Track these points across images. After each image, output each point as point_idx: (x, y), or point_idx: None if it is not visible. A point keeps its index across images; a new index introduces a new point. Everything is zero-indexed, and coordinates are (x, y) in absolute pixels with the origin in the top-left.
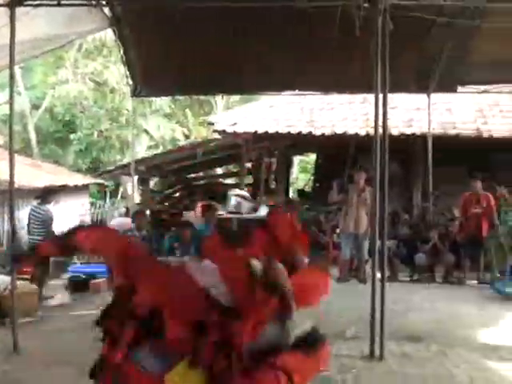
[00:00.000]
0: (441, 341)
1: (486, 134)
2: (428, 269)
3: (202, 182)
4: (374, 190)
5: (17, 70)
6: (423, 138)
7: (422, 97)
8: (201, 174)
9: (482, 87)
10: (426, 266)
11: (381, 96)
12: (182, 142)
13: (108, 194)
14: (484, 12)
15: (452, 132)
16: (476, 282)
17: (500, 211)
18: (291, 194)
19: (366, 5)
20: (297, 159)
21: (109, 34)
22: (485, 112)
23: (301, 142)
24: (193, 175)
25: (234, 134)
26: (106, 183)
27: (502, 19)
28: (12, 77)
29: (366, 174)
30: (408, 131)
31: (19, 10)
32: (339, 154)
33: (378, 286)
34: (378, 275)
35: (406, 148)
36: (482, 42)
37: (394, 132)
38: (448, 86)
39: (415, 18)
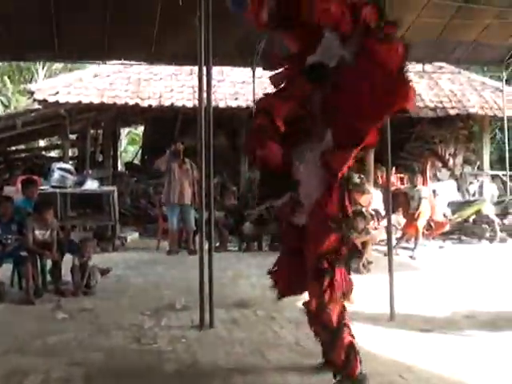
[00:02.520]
0: (268, 306)
1: None
2: (255, 238)
3: (22, 155)
4: (199, 162)
5: None
6: (249, 110)
7: (248, 70)
8: (21, 146)
9: None
10: (253, 236)
11: (205, 69)
12: (1, 112)
13: None
14: None
15: None
16: None
17: None
18: (119, 167)
19: None
20: (124, 131)
21: None
22: None
23: (128, 114)
24: (13, 148)
25: (57, 103)
26: None
27: None
28: None
29: (184, 146)
30: (234, 104)
31: None
32: (167, 126)
33: (206, 256)
34: (207, 246)
35: (232, 121)
36: None
37: (221, 105)
38: (271, 62)
39: None
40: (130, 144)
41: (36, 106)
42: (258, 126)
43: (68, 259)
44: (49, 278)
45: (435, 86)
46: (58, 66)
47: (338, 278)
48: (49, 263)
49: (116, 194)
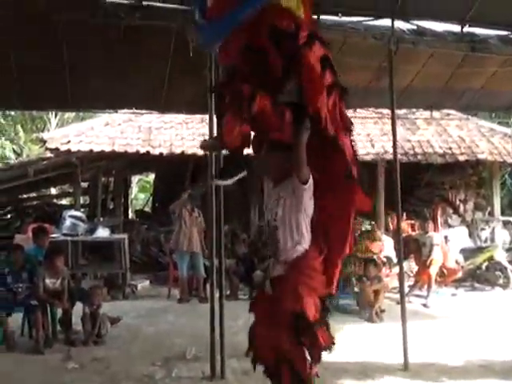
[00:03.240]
0: None
1: None
2: None
3: (34, 202)
4: (210, 209)
5: None
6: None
7: None
8: (33, 194)
9: None
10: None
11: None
12: (13, 161)
13: None
14: None
15: None
16: None
17: None
18: (130, 215)
19: None
20: (135, 179)
21: None
22: None
23: (139, 161)
24: (24, 196)
25: (68, 152)
26: None
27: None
28: None
29: (192, 192)
30: (245, 151)
31: None
32: (178, 174)
33: (216, 305)
34: (217, 294)
35: (243, 168)
36: None
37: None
38: None
39: None
40: (140, 191)
41: (48, 154)
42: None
43: (78, 308)
44: (59, 327)
45: (444, 132)
46: (70, 114)
47: (320, 337)
48: (59, 312)
49: (127, 242)
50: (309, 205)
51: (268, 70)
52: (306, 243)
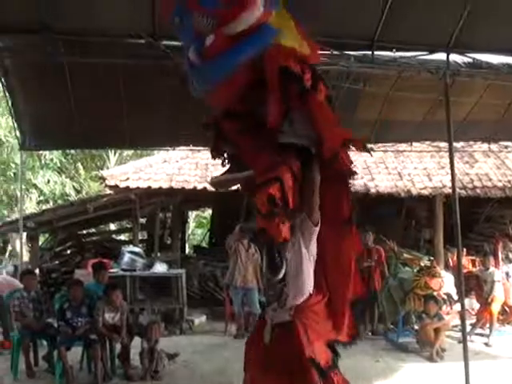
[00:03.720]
0: None
1: (373, 190)
2: None
3: (94, 238)
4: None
5: None
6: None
7: None
8: (93, 230)
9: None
10: None
11: None
12: (73, 198)
13: None
14: (367, 76)
15: None
16: (370, 333)
17: (390, 264)
18: (188, 250)
19: None
20: (192, 214)
21: None
22: (371, 169)
23: (196, 197)
24: (84, 231)
25: (127, 189)
26: None
27: (384, 83)
28: None
29: (243, 226)
30: None
31: None
32: (234, 209)
33: None
34: None
35: None
36: (366, 103)
37: None
38: None
39: None
40: (197, 227)
41: (107, 191)
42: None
43: (137, 342)
44: (117, 361)
45: (502, 165)
46: (129, 152)
47: (335, 381)
48: (118, 347)
49: (184, 277)
50: (314, 246)
51: (268, 109)
52: (311, 286)
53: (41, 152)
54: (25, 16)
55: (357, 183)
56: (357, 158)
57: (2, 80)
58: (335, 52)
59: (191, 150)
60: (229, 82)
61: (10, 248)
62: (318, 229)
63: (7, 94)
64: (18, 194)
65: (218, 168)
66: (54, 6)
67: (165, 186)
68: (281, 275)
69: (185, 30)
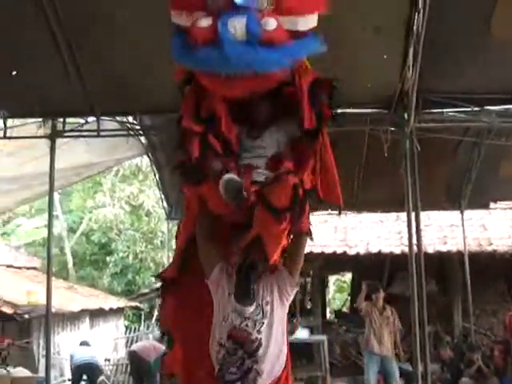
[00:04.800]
0: None
1: None
2: None
3: None
4: (412, 310)
5: (55, 194)
6: (459, 255)
7: (456, 213)
8: None
9: None
10: None
11: (413, 214)
12: None
13: (143, 317)
14: (509, 131)
15: (488, 248)
16: None
17: None
18: (328, 315)
19: (392, 128)
20: (332, 278)
21: (145, 160)
22: None
23: (336, 262)
24: None
25: None
26: (140, 306)
27: None
28: (51, 203)
29: (384, 292)
30: (443, 249)
31: (59, 140)
32: (375, 273)
33: None
34: None
35: (442, 266)
36: (509, 158)
37: (430, 250)
38: (480, 203)
39: (442, 138)
40: (338, 292)
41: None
42: None
43: None
44: None
45: None
46: None
47: None
48: None
49: (326, 344)
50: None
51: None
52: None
53: None
54: (169, 97)
55: (504, 243)
56: (502, 215)
57: (150, 155)
58: (476, 108)
59: (329, 214)
60: (268, 76)
61: (156, 313)
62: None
63: (154, 168)
64: (165, 261)
65: (357, 231)
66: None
67: (305, 250)
68: (251, 309)
69: None
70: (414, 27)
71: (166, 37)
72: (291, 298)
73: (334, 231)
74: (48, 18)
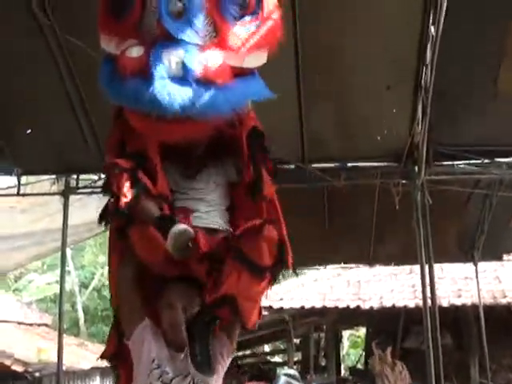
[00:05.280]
0: None
1: None
2: None
3: (249, 360)
4: (428, 365)
5: (67, 250)
6: (474, 308)
7: (469, 265)
8: (248, 351)
9: None
10: None
11: (427, 267)
12: None
13: None
14: None
15: (503, 301)
16: None
17: None
18: (343, 372)
19: (403, 181)
20: (346, 333)
21: None
22: None
23: (349, 316)
24: (240, 353)
25: (281, 309)
26: None
27: None
28: (63, 259)
29: (399, 347)
30: (458, 302)
31: (72, 197)
32: (389, 327)
33: None
34: None
35: (457, 319)
36: None
37: (444, 303)
38: (493, 255)
39: (453, 190)
40: (352, 347)
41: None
42: None
43: None
44: None
45: None
46: None
47: None
48: None
49: None
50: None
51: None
52: None
53: None
54: None
55: None
56: None
57: None
58: (486, 160)
59: (342, 267)
60: (206, 122)
61: None
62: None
63: None
64: None
65: (370, 285)
66: None
67: (318, 305)
68: (213, 379)
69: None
70: (423, 81)
71: None
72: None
73: (347, 285)
74: (61, 74)
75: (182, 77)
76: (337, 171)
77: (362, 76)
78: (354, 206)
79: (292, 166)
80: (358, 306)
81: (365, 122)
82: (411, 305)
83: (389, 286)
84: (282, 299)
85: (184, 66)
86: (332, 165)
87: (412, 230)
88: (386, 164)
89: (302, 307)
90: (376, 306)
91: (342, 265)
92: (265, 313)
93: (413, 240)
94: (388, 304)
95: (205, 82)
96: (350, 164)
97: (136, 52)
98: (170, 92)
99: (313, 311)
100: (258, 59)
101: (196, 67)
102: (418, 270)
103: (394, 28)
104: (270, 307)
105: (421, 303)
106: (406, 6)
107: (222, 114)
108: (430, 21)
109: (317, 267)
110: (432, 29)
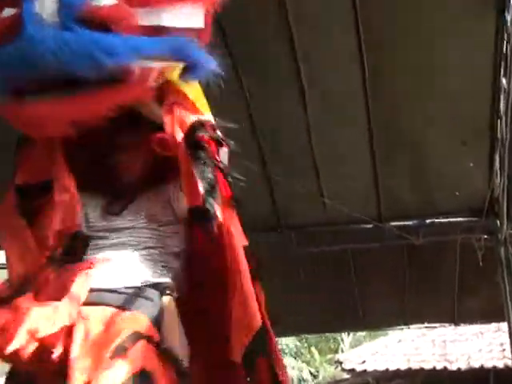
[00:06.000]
0: None
1: None
2: None
3: None
4: None
5: None
6: None
7: None
8: None
9: None
10: None
11: None
12: (310, 383)
13: None
14: None
15: None
16: None
17: None
18: None
19: (485, 236)
20: None
21: None
22: None
23: (436, 378)
24: None
25: (364, 372)
26: None
27: None
28: None
29: None
30: None
31: None
32: None
33: None
34: None
35: None
36: None
37: None
38: None
39: None
40: None
41: (344, 375)
42: None
43: None
44: None
45: None
46: (362, 333)
47: None
48: None
49: None
50: None
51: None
52: None
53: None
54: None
55: None
56: None
57: None
58: None
59: (426, 327)
60: (111, 94)
61: None
62: None
63: None
64: None
65: (456, 345)
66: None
67: (403, 367)
68: None
69: None
70: (498, 133)
71: None
72: None
73: (433, 345)
74: None
75: (60, 19)
76: (415, 228)
77: (436, 132)
78: (434, 264)
79: (369, 226)
80: (445, 368)
81: (442, 179)
82: (500, 365)
83: (476, 345)
84: (364, 361)
85: (62, 4)
86: (410, 222)
87: (497, 285)
88: (466, 219)
89: (387, 369)
90: (464, 367)
91: (426, 324)
92: (347, 376)
93: (498, 296)
94: (476, 365)
95: (89, 24)
96: (428, 220)
97: (7, 12)
98: (42, 37)
99: (398, 373)
100: (187, 17)
101: (75, 4)
102: (506, 328)
103: (464, 83)
104: (353, 370)
105: (510, 363)
106: (475, 60)
107: (115, 62)
108: (502, 72)
109: (400, 327)
110: (504, 80)
